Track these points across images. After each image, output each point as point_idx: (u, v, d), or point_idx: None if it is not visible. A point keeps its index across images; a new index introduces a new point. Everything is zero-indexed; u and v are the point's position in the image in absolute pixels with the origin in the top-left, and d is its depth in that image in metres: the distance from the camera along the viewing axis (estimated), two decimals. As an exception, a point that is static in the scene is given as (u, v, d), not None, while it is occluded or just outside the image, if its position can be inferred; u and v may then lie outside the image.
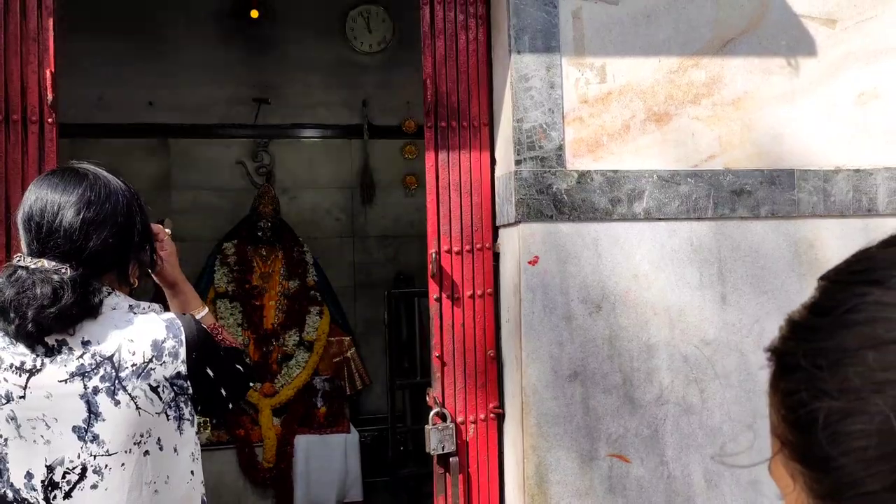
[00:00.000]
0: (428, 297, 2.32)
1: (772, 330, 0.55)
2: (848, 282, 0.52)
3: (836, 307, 0.51)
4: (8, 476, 1.28)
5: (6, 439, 1.28)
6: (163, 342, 1.31)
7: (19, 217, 1.32)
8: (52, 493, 1.26)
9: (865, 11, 2.39)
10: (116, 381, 1.27)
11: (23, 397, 1.26)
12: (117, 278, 1.38)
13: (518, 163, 2.18)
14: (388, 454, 4.62)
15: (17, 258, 1.31)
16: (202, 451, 1.46)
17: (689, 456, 2.23)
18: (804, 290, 0.56)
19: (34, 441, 1.27)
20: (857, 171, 2.35)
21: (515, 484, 2.25)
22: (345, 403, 4.57)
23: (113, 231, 1.32)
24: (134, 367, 1.28)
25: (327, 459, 4.28)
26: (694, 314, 2.25)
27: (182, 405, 1.34)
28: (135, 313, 1.34)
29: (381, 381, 4.93)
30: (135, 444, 1.29)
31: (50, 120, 2.06)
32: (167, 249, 1.54)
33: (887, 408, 0.46)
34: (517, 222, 2.18)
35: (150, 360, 1.29)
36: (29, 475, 1.27)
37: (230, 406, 1.48)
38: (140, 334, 1.30)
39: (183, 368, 1.32)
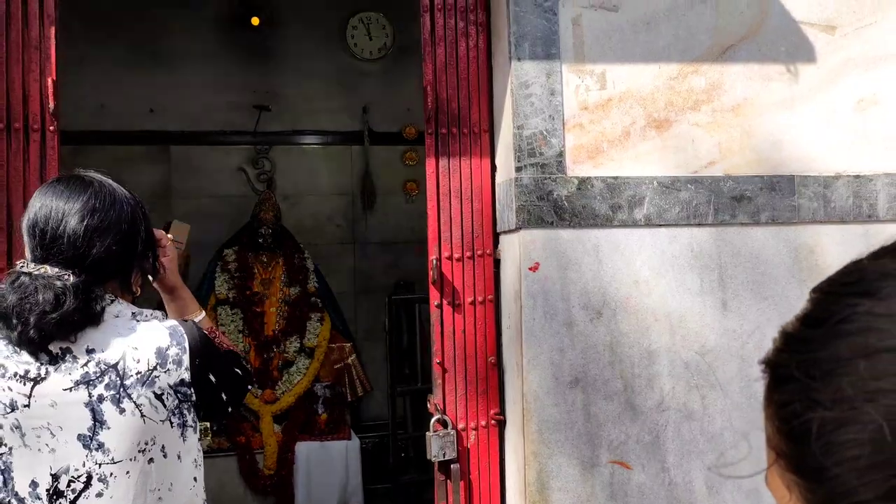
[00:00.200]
0: (429, 304, 2.32)
1: (772, 336, 0.55)
2: (840, 293, 0.52)
3: (828, 318, 0.51)
4: (13, 485, 1.28)
5: (11, 448, 1.28)
6: (167, 350, 1.31)
7: (24, 223, 1.32)
8: (58, 502, 1.26)
9: (865, 18, 2.40)
10: (121, 389, 1.27)
11: (27, 406, 1.26)
12: (120, 286, 1.38)
13: (518, 169, 2.19)
14: (389, 461, 4.60)
15: (21, 264, 1.31)
16: (203, 458, 1.47)
17: (691, 462, 2.23)
18: (804, 297, 0.56)
19: (39, 450, 1.27)
20: (857, 176, 2.35)
21: (517, 491, 2.25)
22: (346, 410, 4.56)
23: (117, 239, 1.33)
24: (139, 375, 1.28)
25: (328, 466, 4.27)
26: (695, 320, 2.25)
27: (185, 412, 1.34)
28: (138, 321, 1.34)
29: (382, 387, 4.92)
30: (140, 451, 1.29)
31: (52, 128, 2.06)
32: (169, 256, 1.54)
33: (880, 417, 0.46)
34: (518, 229, 2.19)
35: (155, 368, 1.29)
36: (34, 484, 1.27)
37: (230, 410, 1.48)
38: (144, 342, 1.30)
39: (186, 375, 1.32)
